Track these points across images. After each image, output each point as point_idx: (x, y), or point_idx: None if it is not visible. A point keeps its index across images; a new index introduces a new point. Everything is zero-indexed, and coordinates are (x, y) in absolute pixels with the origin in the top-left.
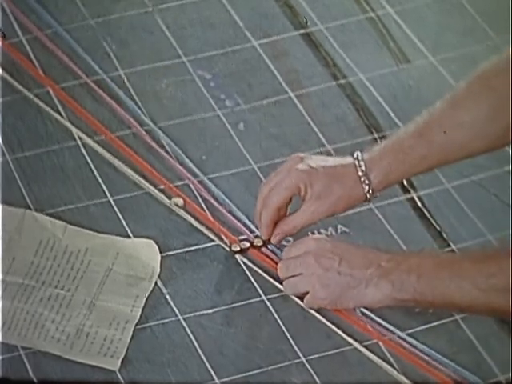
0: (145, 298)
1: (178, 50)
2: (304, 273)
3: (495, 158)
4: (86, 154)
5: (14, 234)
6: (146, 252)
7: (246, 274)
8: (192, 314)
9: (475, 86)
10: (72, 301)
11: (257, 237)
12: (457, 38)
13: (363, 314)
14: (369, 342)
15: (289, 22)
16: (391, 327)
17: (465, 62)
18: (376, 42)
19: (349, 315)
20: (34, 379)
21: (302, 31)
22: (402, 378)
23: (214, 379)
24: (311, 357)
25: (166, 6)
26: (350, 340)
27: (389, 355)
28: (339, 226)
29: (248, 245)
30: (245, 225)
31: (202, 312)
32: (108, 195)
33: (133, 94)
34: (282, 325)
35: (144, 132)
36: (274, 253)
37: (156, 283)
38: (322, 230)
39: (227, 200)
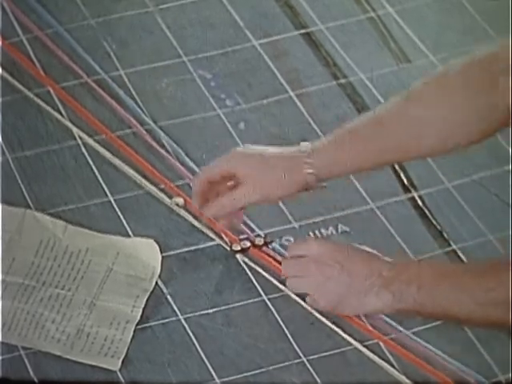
0: (145, 298)
1: (178, 50)
2: (305, 277)
3: (495, 157)
4: (86, 154)
5: (15, 234)
6: (147, 252)
7: (246, 273)
8: (192, 314)
9: (436, 84)
10: (72, 301)
11: (258, 236)
12: (457, 37)
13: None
14: (369, 342)
15: (289, 21)
16: (393, 324)
17: None
18: (376, 41)
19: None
20: (34, 379)
21: (302, 31)
22: (403, 378)
23: (214, 379)
24: (311, 357)
25: (167, 5)
26: (350, 340)
27: (389, 355)
28: (340, 226)
29: (249, 244)
30: (245, 224)
31: (202, 312)
32: (108, 195)
33: (133, 93)
34: (282, 324)
35: (144, 131)
36: (276, 252)
37: (156, 283)
38: (322, 230)
39: None
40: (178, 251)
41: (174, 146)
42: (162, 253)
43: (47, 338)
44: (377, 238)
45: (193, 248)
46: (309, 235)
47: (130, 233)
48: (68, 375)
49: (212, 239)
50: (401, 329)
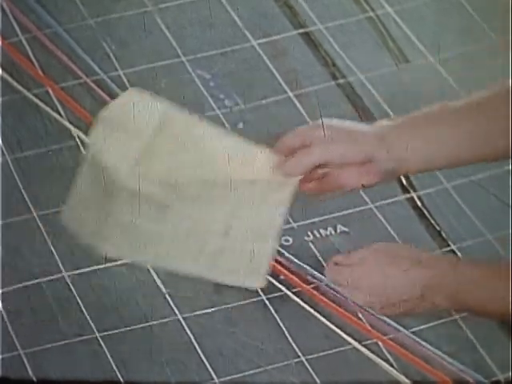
0: (286, 207)
1: (177, 50)
2: (360, 270)
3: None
4: None
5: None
6: None
7: None
8: (192, 314)
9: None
10: (209, 218)
11: None
12: (456, 37)
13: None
14: (368, 342)
15: (288, 21)
16: (391, 324)
17: (464, 62)
18: (375, 41)
19: (348, 314)
20: (34, 379)
21: (301, 30)
22: (402, 378)
23: (213, 379)
24: (310, 356)
25: (166, 5)
26: (349, 339)
27: (388, 355)
28: (338, 226)
29: None
30: None
31: (201, 312)
32: None
33: None
34: (281, 324)
35: None
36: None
37: (156, 282)
38: (321, 230)
39: None
40: None
41: None
42: None
43: (186, 259)
44: (376, 238)
45: None
46: (307, 236)
47: None
48: (68, 375)
49: None
50: (400, 328)
